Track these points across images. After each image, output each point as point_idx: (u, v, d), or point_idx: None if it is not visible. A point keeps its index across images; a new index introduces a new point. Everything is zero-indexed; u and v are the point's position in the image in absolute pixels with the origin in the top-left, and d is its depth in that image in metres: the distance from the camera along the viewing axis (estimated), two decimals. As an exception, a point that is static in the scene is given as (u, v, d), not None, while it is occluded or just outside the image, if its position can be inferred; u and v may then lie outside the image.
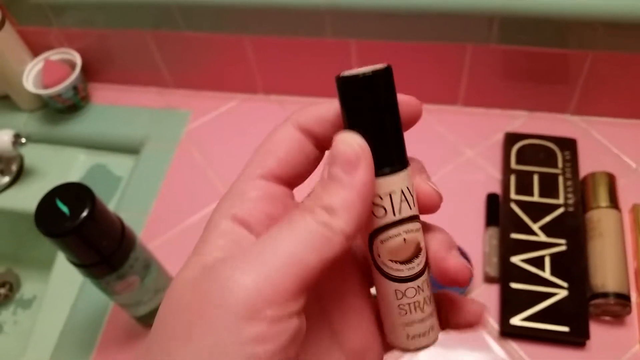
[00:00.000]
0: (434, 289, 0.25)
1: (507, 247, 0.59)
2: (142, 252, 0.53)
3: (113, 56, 0.82)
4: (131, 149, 0.79)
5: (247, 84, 0.80)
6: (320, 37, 0.70)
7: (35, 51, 0.83)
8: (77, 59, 0.81)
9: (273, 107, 0.80)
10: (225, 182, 0.72)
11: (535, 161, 0.66)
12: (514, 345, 0.55)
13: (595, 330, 0.55)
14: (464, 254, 0.60)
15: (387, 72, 0.22)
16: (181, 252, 0.70)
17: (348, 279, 0.26)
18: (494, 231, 0.62)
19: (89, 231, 0.46)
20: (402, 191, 0.23)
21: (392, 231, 0.23)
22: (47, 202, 0.47)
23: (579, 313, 0.55)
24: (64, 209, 0.46)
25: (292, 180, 0.24)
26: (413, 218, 0.23)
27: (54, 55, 0.82)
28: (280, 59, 0.75)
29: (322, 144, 0.25)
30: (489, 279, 0.59)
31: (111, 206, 0.74)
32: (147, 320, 0.59)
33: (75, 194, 0.47)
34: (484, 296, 0.59)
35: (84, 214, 0.45)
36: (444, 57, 0.69)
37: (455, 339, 0.56)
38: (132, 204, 0.72)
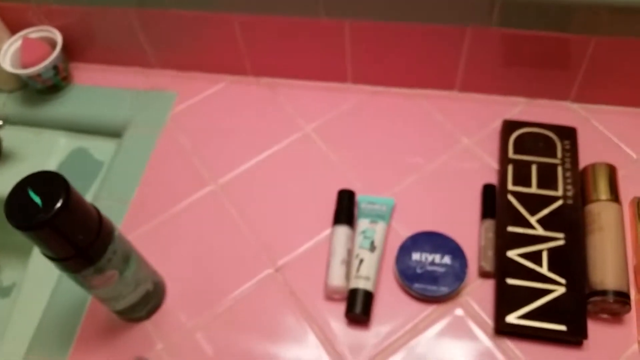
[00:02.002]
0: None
1: (504, 241, 0.57)
2: (121, 245, 0.50)
3: (96, 35, 0.79)
4: (114, 133, 0.76)
5: (235, 65, 0.77)
6: (312, 17, 0.67)
7: (13, 29, 0.79)
8: (58, 37, 0.77)
9: (263, 90, 0.77)
10: (212, 169, 0.69)
11: (534, 150, 0.63)
12: (509, 343, 0.53)
13: (593, 328, 0.53)
14: (458, 248, 0.57)
15: None
16: (164, 242, 0.67)
17: None
18: (490, 224, 0.59)
19: (64, 223, 0.44)
20: None
21: None
22: (19, 192, 0.44)
23: (577, 311, 0.53)
24: (37, 199, 0.43)
25: None
26: None
27: (33, 33, 0.78)
28: (270, 40, 0.72)
29: None
30: (484, 274, 0.57)
31: (91, 192, 0.72)
32: (126, 314, 0.56)
33: (49, 183, 0.44)
34: (479, 292, 0.57)
35: (58, 204, 0.43)
36: (441, 40, 0.66)
37: (449, 337, 0.54)
38: (113, 190, 0.69)
